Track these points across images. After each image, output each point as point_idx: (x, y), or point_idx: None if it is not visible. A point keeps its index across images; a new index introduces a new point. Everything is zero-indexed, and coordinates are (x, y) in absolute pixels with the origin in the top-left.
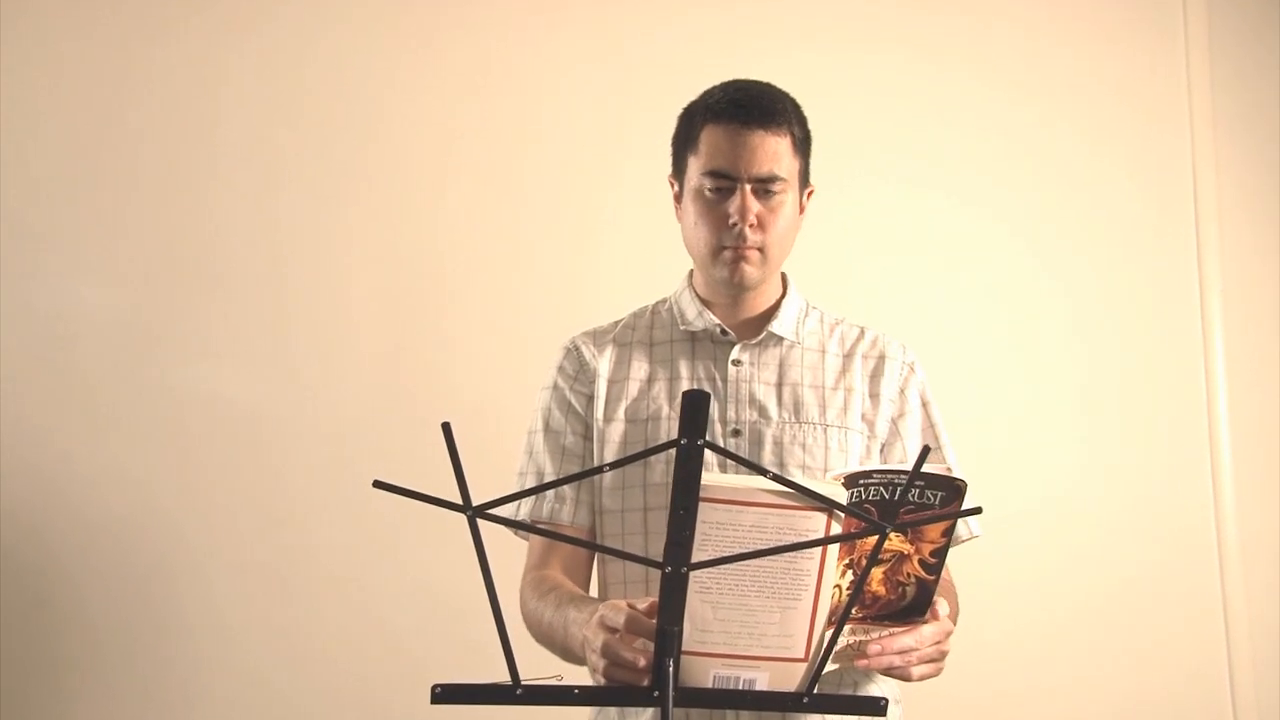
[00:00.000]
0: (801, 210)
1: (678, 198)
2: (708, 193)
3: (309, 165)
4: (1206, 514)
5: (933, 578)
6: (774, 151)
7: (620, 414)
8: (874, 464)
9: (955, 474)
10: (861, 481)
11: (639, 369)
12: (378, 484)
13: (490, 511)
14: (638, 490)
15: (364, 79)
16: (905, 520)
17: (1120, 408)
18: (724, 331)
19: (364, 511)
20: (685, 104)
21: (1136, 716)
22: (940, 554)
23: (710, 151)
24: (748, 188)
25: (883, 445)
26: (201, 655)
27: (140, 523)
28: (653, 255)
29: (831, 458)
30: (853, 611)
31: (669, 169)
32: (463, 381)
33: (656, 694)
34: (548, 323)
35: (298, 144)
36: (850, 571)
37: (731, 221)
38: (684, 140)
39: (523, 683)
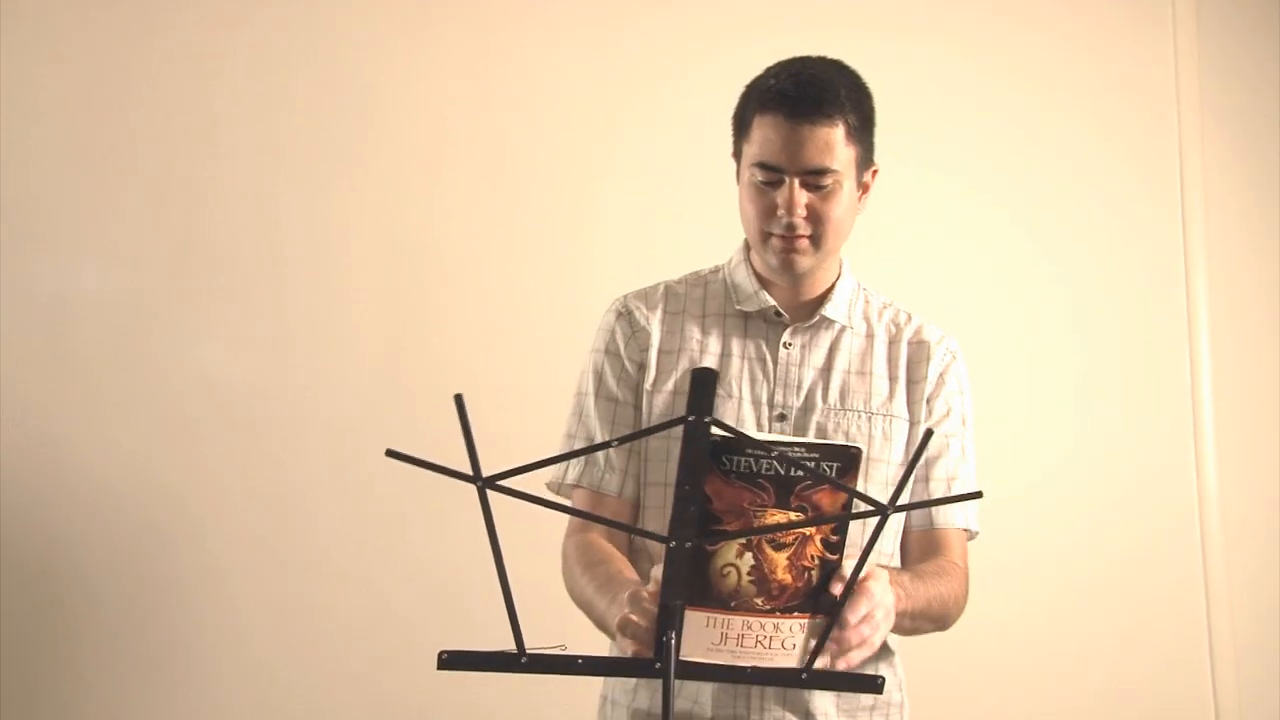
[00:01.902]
0: (866, 190)
1: (738, 174)
2: (758, 182)
3: (306, 149)
4: (1190, 499)
5: (836, 557)
6: (824, 144)
7: (669, 385)
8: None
9: (970, 478)
10: (749, 452)
11: (691, 342)
12: (390, 453)
13: (502, 483)
14: (674, 464)
15: (361, 63)
16: (904, 505)
17: (1105, 392)
18: (778, 313)
19: (365, 489)
20: (685, 89)
21: (1119, 696)
22: (841, 530)
23: (760, 142)
24: (796, 181)
25: (920, 428)
26: (205, 633)
27: (141, 503)
28: (647, 238)
29: (874, 446)
30: (759, 603)
31: (728, 147)
32: (460, 362)
33: (658, 666)
34: (544, 304)
35: (295, 128)
36: (749, 554)
37: (779, 214)
38: (739, 123)
39: (528, 652)
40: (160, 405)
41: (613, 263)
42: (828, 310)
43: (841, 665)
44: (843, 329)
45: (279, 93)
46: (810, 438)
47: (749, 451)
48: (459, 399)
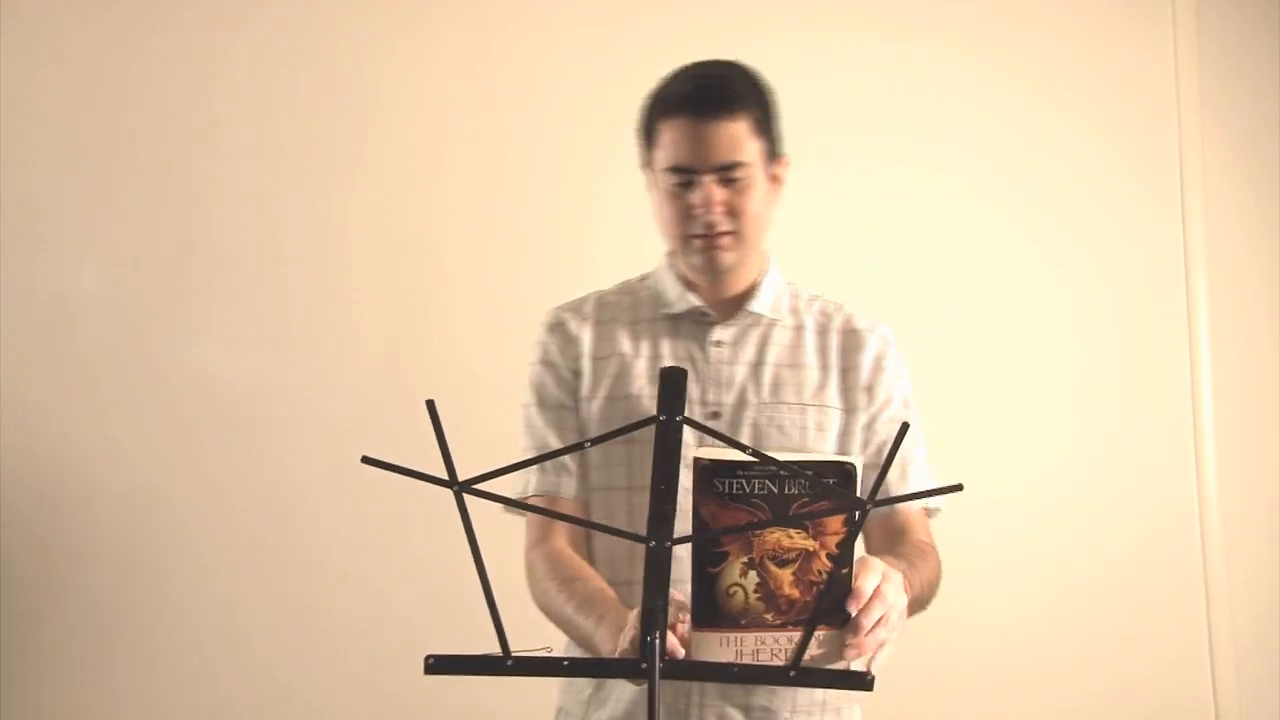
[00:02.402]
0: (778, 181)
1: (651, 185)
2: (672, 186)
3: (306, 149)
4: (1190, 499)
5: (845, 570)
6: (731, 139)
7: (603, 391)
8: (854, 441)
9: (922, 458)
10: (740, 473)
11: (622, 347)
12: (366, 460)
13: (478, 487)
14: (621, 468)
15: (361, 63)
16: (884, 499)
17: (1105, 392)
18: (704, 313)
19: (365, 489)
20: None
21: (1119, 696)
22: (845, 544)
23: (669, 147)
24: (709, 178)
25: (858, 416)
26: (204, 633)
27: (141, 503)
28: (647, 238)
29: (809, 438)
30: (769, 619)
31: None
32: (460, 362)
33: (644, 666)
34: (544, 304)
35: (295, 128)
36: (753, 573)
37: (697, 213)
38: (646, 133)
39: (513, 654)
40: (160, 405)
41: (612, 263)
42: (754, 305)
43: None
44: (771, 323)
45: (279, 93)
46: (806, 455)
47: (740, 473)
48: (430, 405)
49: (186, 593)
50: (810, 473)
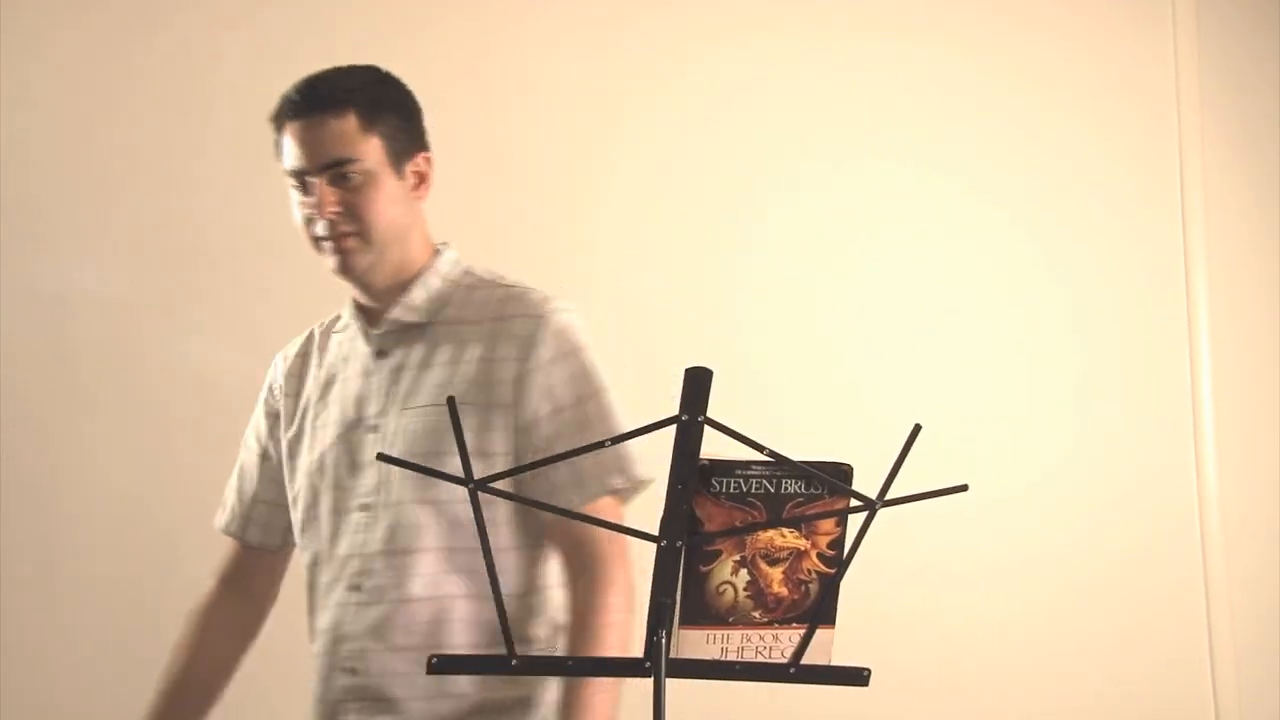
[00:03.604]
0: (421, 179)
1: None
2: (293, 191)
3: None
4: (1190, 499)
5: (835, 571)
6: (336, 135)
7: (292, 430)
8: (494, 437)
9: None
10: (739, 473)
11: (309, 376)
12: (381, 457)
13: (493, 485)
14: (326, 496)
15: (360, 63)
16: (893, 499)
17: (1105, 392)
18: (365, 326)
19: None
20: (685, 89)
21: (1119, 696)
22: (837, 544)
23: (285, 153)
24: (321, 179)
25: (498, 411)
26: None
27: (141, 503)
28: (647, 238)
29: (473, 439)
30: (756, 617)
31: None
32: None
33: (648, 665)
34: None
35: None
36: (744, 571)
37: (311, 215)
38: (276, 146)
39: (517, 654)
40: (160, 405)
41: (613, 263)
42: (398, 313)
43: None
44: (422, 326)
45: (279, 93)
46: (797, 457)
47: (738, 472)
48: (451, 401)
49: (187, 593)
50: (821, 474)
